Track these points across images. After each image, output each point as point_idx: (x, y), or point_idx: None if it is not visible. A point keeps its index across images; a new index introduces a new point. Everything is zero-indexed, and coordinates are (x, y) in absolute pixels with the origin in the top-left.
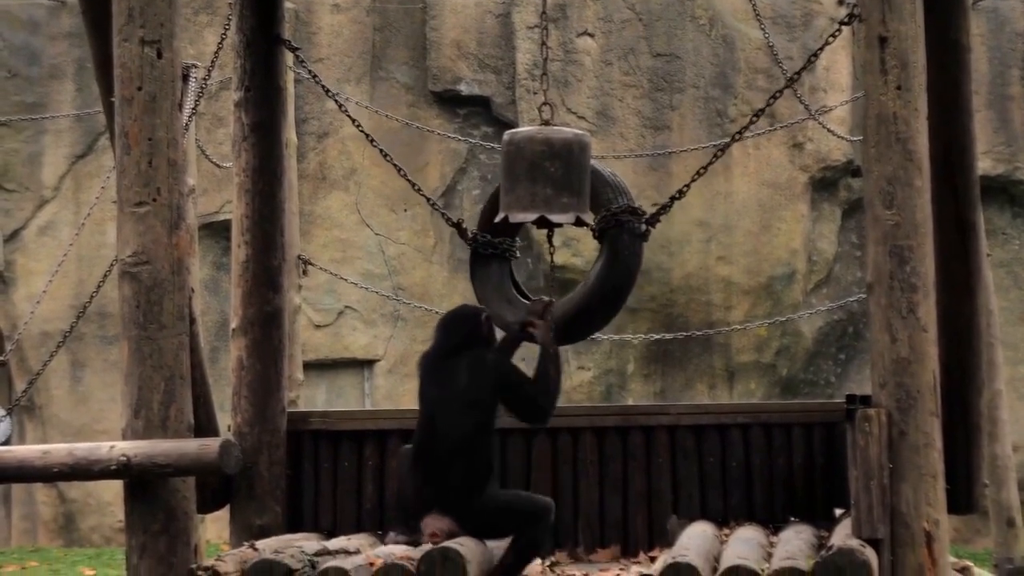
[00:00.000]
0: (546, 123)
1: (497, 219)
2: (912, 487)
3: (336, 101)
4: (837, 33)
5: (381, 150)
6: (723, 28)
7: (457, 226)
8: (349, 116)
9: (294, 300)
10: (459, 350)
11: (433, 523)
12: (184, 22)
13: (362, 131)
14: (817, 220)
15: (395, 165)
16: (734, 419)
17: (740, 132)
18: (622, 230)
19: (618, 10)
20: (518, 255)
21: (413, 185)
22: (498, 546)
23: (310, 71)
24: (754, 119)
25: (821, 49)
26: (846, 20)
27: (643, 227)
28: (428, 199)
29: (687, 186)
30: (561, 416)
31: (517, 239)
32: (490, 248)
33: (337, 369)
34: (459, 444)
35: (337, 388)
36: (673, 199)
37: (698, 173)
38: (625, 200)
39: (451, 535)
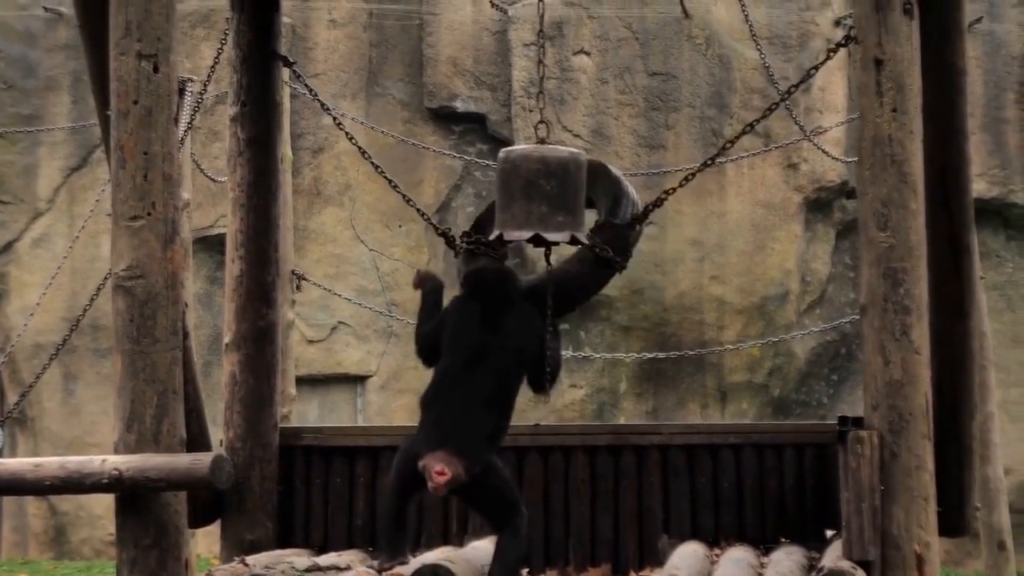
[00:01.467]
0: (542, 141)
1: (492, 236)
2: (903, 509)
3: (332, 116)
4: (833, 54)
5: (374, 164)
6: (719, 48)
7: (444, 235)
8: (345, 131)
9: (287, 315)
10: (506, 304)
11: (442, 459)
12: (181, 36)
13: (356, 145)
14: (811, 241)
15: (387, 179)
16: (726, 439)
17: (731, 142)
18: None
19: (614, 29)
20: (507, 255)
21: (405, 198)
22: (488, 563)
23: (307, 86)
24: (747, 129)
25: (817, 67)
26: (842, 42)
27: (611, 254)
28: (419, 211)
29: (666, 194)
30: (553, 435)
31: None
32: (480, 247)
33: (330, 385)
34: (497, 392)
35: (330, 404)
36: (647, 210)
37: (680, 184)
38: (618, 215)
39: (456, 477)
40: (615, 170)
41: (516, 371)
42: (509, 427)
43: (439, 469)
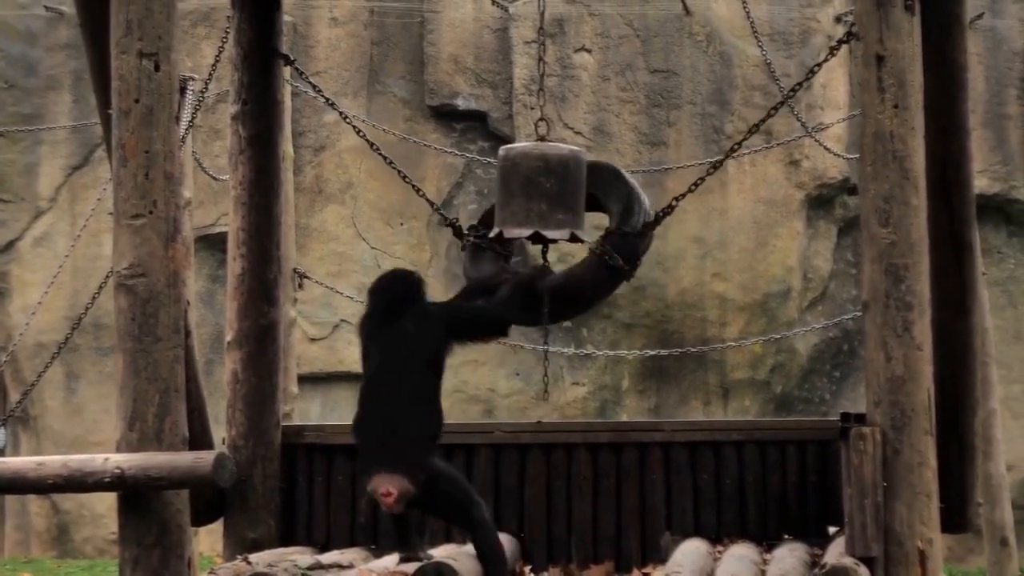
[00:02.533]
0: (542, 139)
1: (492, 234)
2: (906, 505)
3: (339, 112)
4: (835, 51)
5: (384, 156)
6: (720, 45)
7: (452, 225)
8: (353, 126)
9: (289, 313)
10: (401, 309)
11: (385, 482)
12: (182, 34)
13: (365, 139)
14: (813, 238)
15: (398, 170)
16: (728, 436)
17: (737, 144)
18: (598, 258)
19: (615, 26)
20: (514, 252)
21: (416, 189)
22: None
23: (312, 84)
24: (753, 130)
25: (819, 66)
26: (844, 39)
27: (620, 262)
28: (429, 201)
29: (676, 201)
30: (555, 432)
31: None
32: (487, 241)
33: (332, 382)
34: (414, 400)
35: (332, 402)
36: (659, 217)
37: (690, 189)
38: (629, 223)
39: (403, 494)
40: (629, 177)
41: (429, 371)
42: (443, 422)
43: (384, 491)
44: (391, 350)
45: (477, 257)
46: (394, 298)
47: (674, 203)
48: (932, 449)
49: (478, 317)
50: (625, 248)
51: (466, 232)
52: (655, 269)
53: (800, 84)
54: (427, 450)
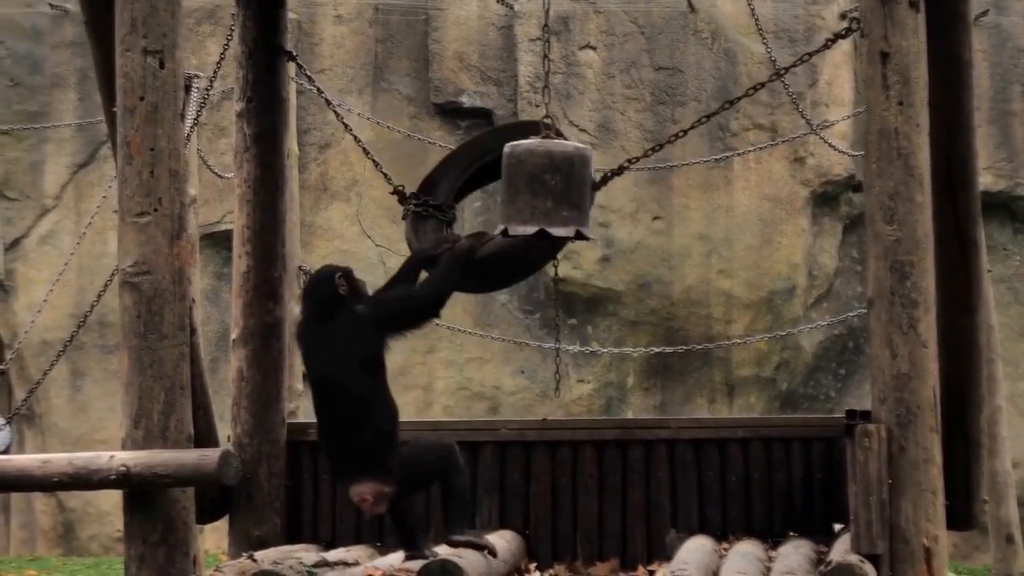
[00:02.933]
0: (547, 136)
1: (496, 231)
2: (911, 503)
3: (334, 111)
4: (831, 43)
5: (371, 157)
6: (725, 42)
7: (398, 192)
8: (344, 124)
9: (294, 311)
10: (329, 313)
11: (358, 490)
12: (187, 32)
13: (355, 137)
14: (818, 235)
15: (354, 136)
16: (733, 433)
17: (732, 101)
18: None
19: (620, 23)
20: (455, 218)
21: (376, 164)
22: (497, 558)
23: (311, 79)
24: (750, 92)
25: (812, 54)
26: (843, 33)
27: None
28: (375, 162)
29: (628, 163)
30: (561, 429)
31: (455, 206)
32: (428, 208)
33: None
34: (360, 402)
35: None
36: (605, 179)
37: (646, 153)
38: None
39: (379, 497)
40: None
41: (368, 371)
42: (397, 415)
43: (360, 498)
44: (326, 356)
45: (419, 225)
46: (322, 300)
47: (626, 164)
48: (937, 446)
49: (405, 308)
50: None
51: (407, 198)
52: (660, 266)
53: (792, 66)
54: (387, 447)
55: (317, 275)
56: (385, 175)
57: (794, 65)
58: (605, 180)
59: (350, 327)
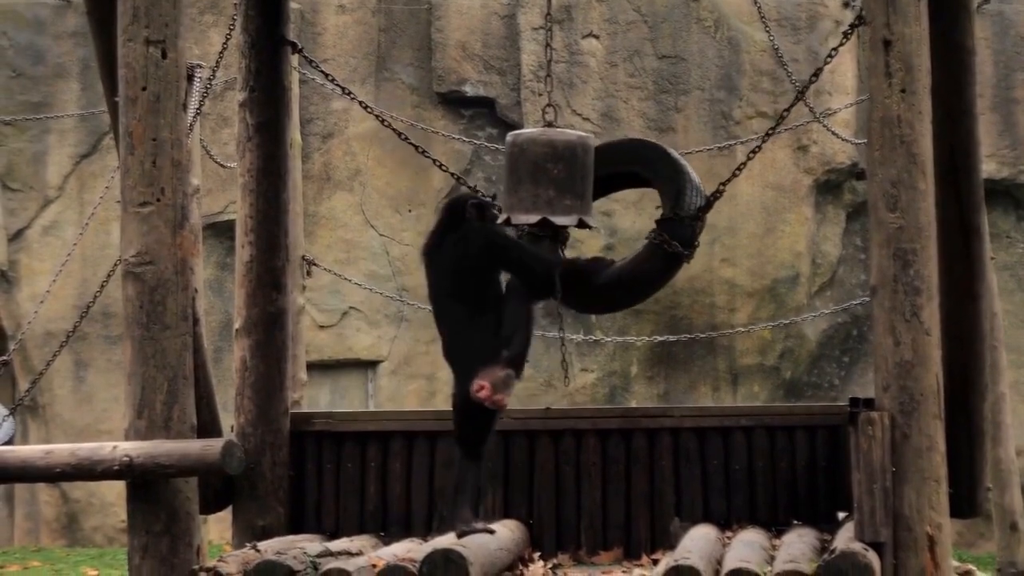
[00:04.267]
0: (550, 124)
1: (499, 220)
2: (915, 490)
3: (350, 96)
4: (848, 36)
5: (396, 130)
6: (728, 30)
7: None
8: (364, 105)
9: (298, 301)
10: (447, 232)
11: (486, 376)
12: (189, 22)
13: (388, 125)
14: (821, 223)
15: (407, 139)
16: (737, 422)
17: (772, 129)
18: (656, 247)
19: (623, 12)
20: (569, 236)
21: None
22: (501, 547)
23: (323, 71)
24: (782, 117)
25: (832, 54)
26: (856, 23)
27: (679, 249)
28: (441, 166)
29: (723, 185)
30: (564, 418)
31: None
32: (547, 231)
33: (341, 370)
34: (465, 318)
35: (341, 389)
36: (711, 201)
37: (742, 165)
38: (682, 207)
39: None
40: (679, 157)
41: (473, 289)
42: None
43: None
44: (441, 272)
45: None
46: (443, 224)
47: (722, 188)
48: (941, 434)
49: (520, 261)
50: (682, 233)
51: (518, 226)
52: None
53: (817, 73)
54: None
55: (452, 199)
56: (472, 189)
57: (824, 65)
58: (710, 205)
59: (459, 242)
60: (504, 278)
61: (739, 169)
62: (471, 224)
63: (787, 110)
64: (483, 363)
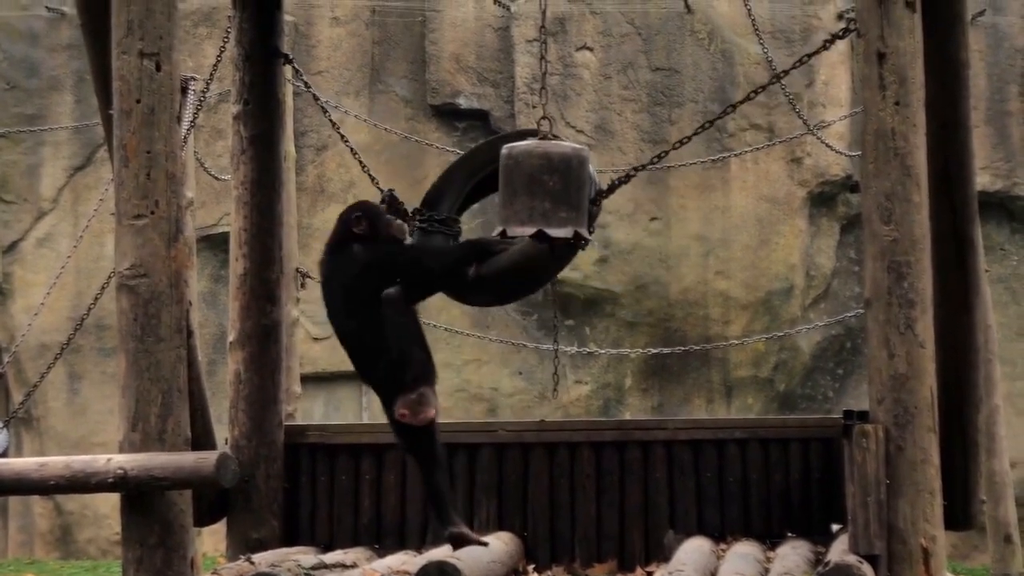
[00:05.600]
0: (544, 137)
1: (495, 233)
2: (909, 503)
3: (329, 116)
4: (828, 44)
5: (348, 145)
6: (722, 43)
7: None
8: (334, 126)
9: (292, 313)
10: (338, 247)
11: (401, 404)
12: (183, 35)
13: (344, 140)
14: (815, 235)
15: (350, 147)
16: (731, 434)
17: (734, 106)
18: None
19: (617, 24)
20: (461, 231)
21: (370, 176)
22: (495, 560)
23: (307, 85)
24: (751, 96)
25: (811, 56)
26: (839, 33)
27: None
28: (372, 177)
29: (634, 171)
30: (559, 431)
31: (459, 217)
32: (434, 223)
33: (335, 382)
34: (362, 340)
35: (335, 401)
36: (612, 187)
37: (652, 161)
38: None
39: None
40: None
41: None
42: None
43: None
44: (330, 290)
45: (425, 240)
46: (334, 237)
47: (633, 172)
48: (935, 446)
49: (406, 258)
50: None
51: (411, 214)
52: (657, 267)
53: (791, 68)
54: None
55: (346, 210)
56: (372, 178)
57: (793, 68)
58: (613, 188)
59: (343, 264)
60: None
61: (657, 158)
62: (352, 246)
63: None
64: (396, 388)
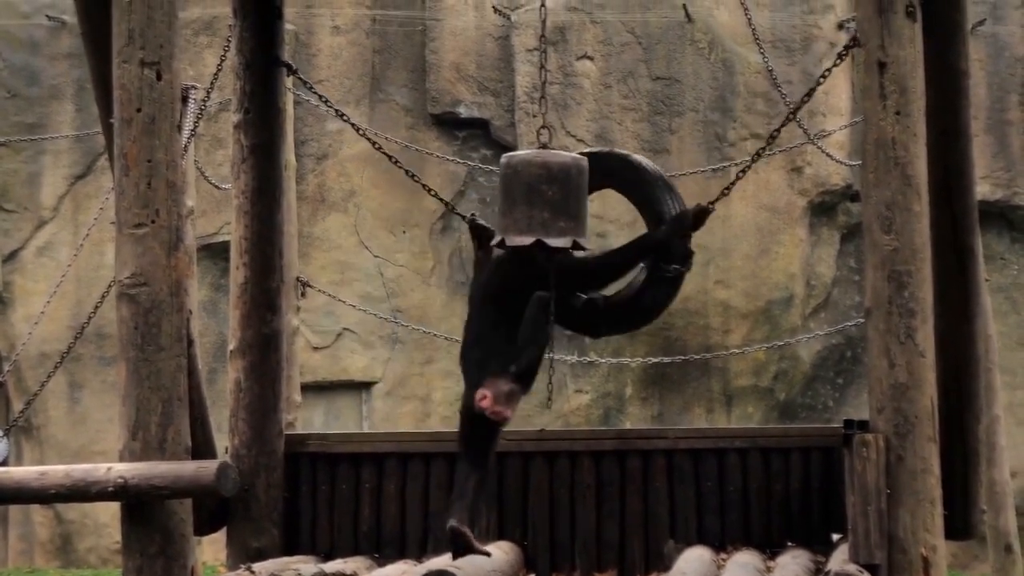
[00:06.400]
0: (544, 146)
1: (494, 242)
2: (910, 512)
3: (343, 118)
4: (842, 57)
5: (388, 154)
6: (722, 52)
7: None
8: (356, 127)
9: (292, 322)
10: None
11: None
12: (184, 43)
13: (381, 150)
14: (816, 244)
15: (398, 162)
16: (731, 443)
17: (764, 149)
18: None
19: (618, 33)
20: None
21: (428, 190)
22: (496, 569)
23: (317, 93)
24: (770, 139)
25: (825, 75)
26: (850, 44)
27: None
28: (446, 203)
29: (726, 190)
30: (559, 440)
31: None
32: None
33: (335, 391)
34: (490, 325)
35: (335, 410)
36: (705, 213)
37: (737, 178)
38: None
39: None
40: (647, 164)
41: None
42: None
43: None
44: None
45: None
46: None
47: (724, 193)
48: (936, 456)
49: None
50: (679, 253)
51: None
52: None
53: (811, 92)
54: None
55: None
56: (448, 206)
57: (815, 86)
58: (705, 215)
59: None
60: None
61: (728, 189)
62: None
63: (777, 130)
64: (491, 374)
